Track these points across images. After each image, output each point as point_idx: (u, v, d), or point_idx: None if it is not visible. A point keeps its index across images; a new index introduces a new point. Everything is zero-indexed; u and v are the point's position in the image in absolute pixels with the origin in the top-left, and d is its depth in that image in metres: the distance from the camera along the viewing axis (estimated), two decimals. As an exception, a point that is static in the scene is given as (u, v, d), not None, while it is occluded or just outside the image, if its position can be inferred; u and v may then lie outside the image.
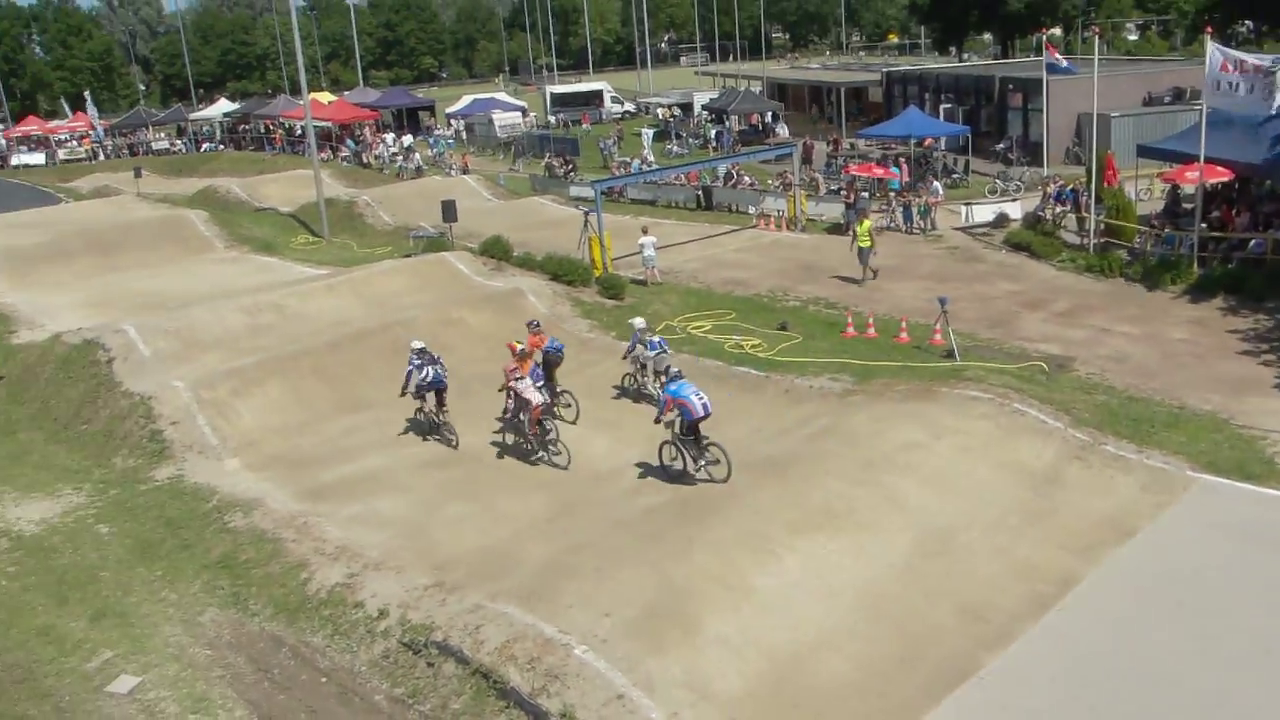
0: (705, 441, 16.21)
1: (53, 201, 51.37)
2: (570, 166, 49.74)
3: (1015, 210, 33.19)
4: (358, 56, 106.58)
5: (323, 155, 50.79)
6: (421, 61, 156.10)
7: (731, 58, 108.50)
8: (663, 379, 17.31)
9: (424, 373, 18.83)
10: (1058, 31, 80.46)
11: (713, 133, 57.10)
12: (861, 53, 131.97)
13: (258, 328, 24.01)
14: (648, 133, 59.39)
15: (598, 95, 76.66)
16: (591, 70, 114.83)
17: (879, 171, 37.28)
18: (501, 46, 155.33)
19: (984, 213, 33.44)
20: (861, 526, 14.34)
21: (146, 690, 12.56)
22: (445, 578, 13.73)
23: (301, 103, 48.92)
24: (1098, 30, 34.81)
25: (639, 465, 17.31)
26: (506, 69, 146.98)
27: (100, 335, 23.09)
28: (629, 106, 76.22)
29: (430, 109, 76.02)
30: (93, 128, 75.18)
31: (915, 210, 33.37)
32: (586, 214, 29.95)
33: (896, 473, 15.66)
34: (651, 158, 51.56)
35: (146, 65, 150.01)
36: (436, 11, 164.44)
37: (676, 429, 16.25)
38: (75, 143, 74.43)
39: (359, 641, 12.93)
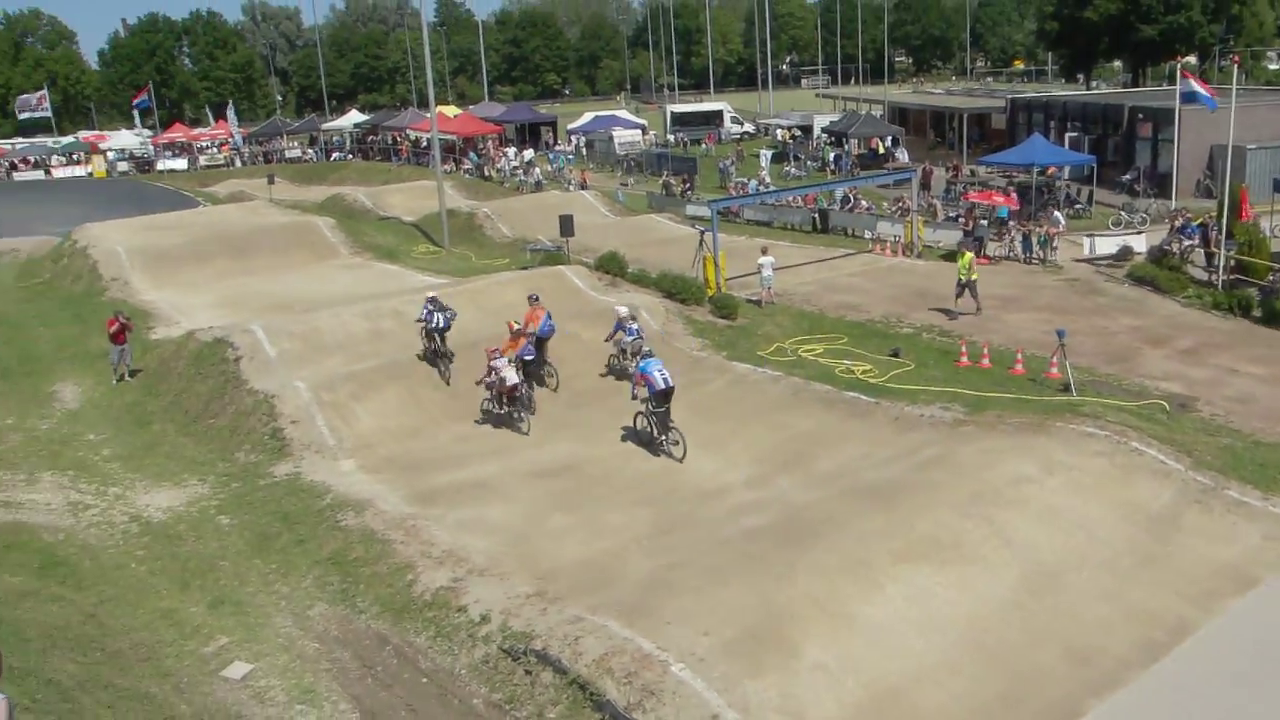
0: (670, 423, 18.89)
1: (192, 205, 53.51)
2: (688, 185, 49.91)
3: (1140, 243, 32.15)
4: (484, 71, 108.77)
5: (446, 167, 51.96)
6: (545, 78, 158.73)
7: (853, 81, 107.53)
8: (638, 359, 20.25)
9: (433, 319, 22.52)
10: (1192, 60, 77.75)
11: (831, 156, 56.65)
12: (987, 79, 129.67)
13: (378, 333, 24.62)
14: (766, 154, 59.25)
15: (718, 115, 76.76)
16: (712, 90, 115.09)
17: (999, 200, 36.55)
18: (624, 64, 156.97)
19: (1107, 245, 32.48)
20: (968, 560, 14.03)
21: (257, 678, 12.97)
22: (547, 587, 13.87)
23: (428, 115, 50.15)
24: (1236, 59, 33.51)
25: (745, 485, 17.28)
26: (628, 87, 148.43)
27: (230, 334, 23.96)
28: (748, 127, 76.17)
29: (552, 125, 77.07)
30: (232, 135, 78.29)
31: (1035, 240, 32.59)
32: (702, 233, 30.02)
33: (1006, 507, 15.27)
34: (769, 179, 51.44)
35: (284, 77, 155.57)
36: (561, 29, 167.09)
37: (649, 403, 19.03)
38: (215, 149, 77.62)
39: (460, 645, 13.13)
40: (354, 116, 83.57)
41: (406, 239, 42.70)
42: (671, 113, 77.69)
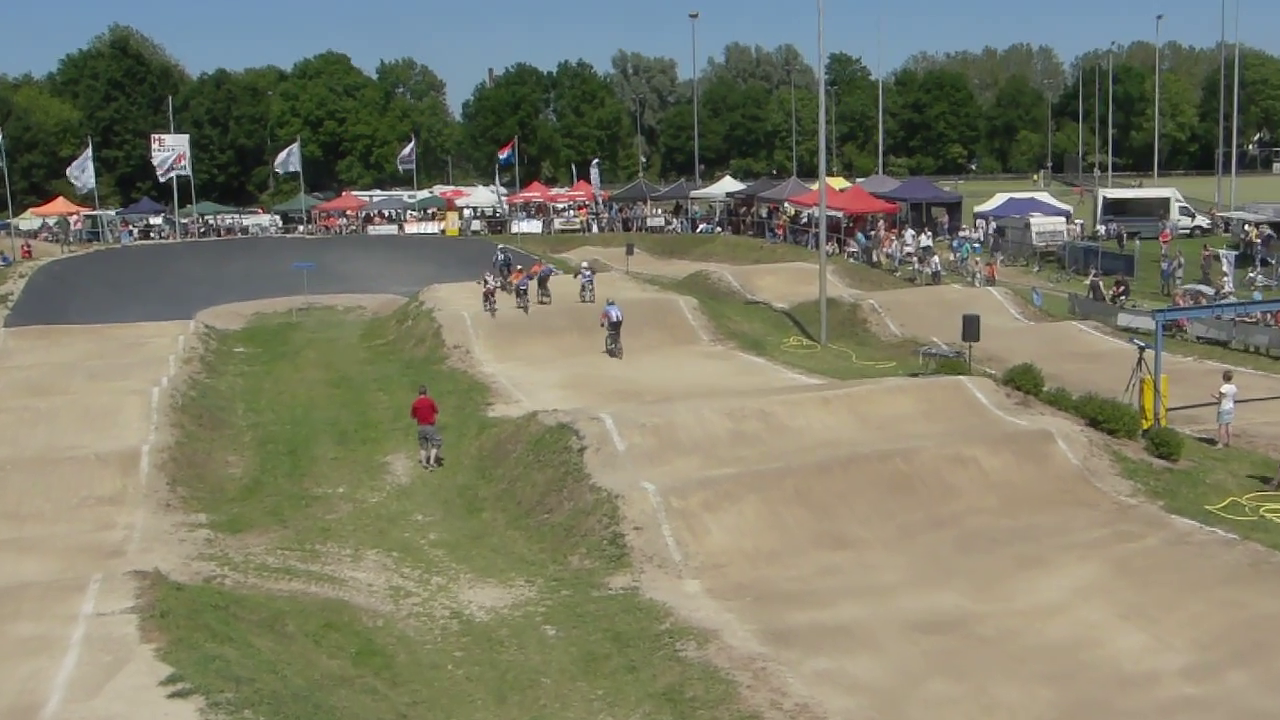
0: (617, 340, 36.23)
1: (544, 273, 57.22)
2: (1122, 289, 47.80)
3: None
4: (880, 139, 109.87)
5: (828, 249, 52.60)
6: (949, 149, 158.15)
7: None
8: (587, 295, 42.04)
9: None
10: None
11: (1317, 263, 52.37)
12: None
13: (740, 436, 24.97)
14: (1228, 255, 55.59)
15: (1162, 204, 73.26)
16: (1155, 172, 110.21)
17: None
18: (1045, 138, 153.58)
19: None
20: None
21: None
22: (923, 771, 13.28)
23: (813, 188, 51.15)
24: None
25: (1182, 675, 15.87)
26: (1049, 164, 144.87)
27: (575, 421, 25.11)
28: (1201, 220, 72.11)
29: (955, 205, 76.41)
30: (593, 198, 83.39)
31: None
32: (1142, 349, 28.46)
33: None
34: (1231, 287, 48.22)
35: (650, 136, 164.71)
36: (972, 93, 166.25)
37: (608, 330, 36.53)
38: (572, 212, 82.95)
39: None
40: (727, 184, 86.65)
41: (776, 328, 43.45)
42: (1104, 198, 74.87)
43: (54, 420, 28.30)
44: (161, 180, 77.81)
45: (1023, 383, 29.02)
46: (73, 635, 14.77)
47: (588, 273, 44.79)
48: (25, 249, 66.14)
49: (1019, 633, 17.59)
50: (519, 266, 46.05)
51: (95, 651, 14.23)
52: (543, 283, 43.28)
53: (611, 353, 36.85)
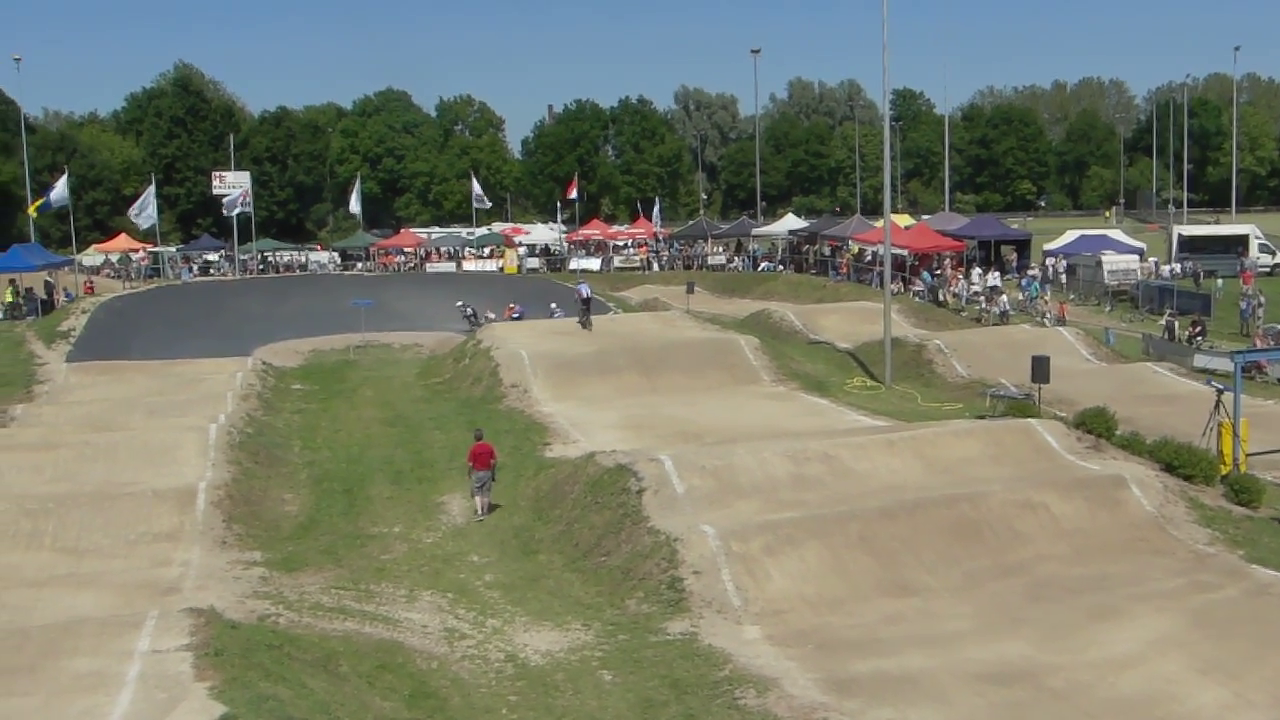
0: (589, 313, 44.78)
1: (602, 311, 57.55)
2: (1198, 329, 47.34)
3: None
4: (946, 175, 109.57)
5: (894, 288, 52.42)
6: (1018, 186, 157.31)
7: None
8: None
9: None
10: None
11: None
12: None
13: (802, 479, 24.85)
14: (1311, 294, 54.94)
15: (1240, 241, 72.38)
16: (1234, 209, 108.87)
17: None
18: (1118, 173, 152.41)
19: None
20: None
21: None
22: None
23: (876, 225, 51.09)
24: None
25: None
26: (1121, 201, 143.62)
27: (634, 462, 25.08)
28: (1282, 258, 71.30)
29: (1025, 243, 76.02)
30: (653, 235, 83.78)
31: None
32: (1220, 392, 28.07)
33: None
34: (1313, 327, 47.61)
35: (711, 173, 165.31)
36: (1042, 128, 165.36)
37: (579, 305, 44.90)
38: (631, 250, 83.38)
39: None
40: (789, 222, 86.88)
41: (839, 369, 43.30)
42: (1179, 235, 74.24)
43: (113, 456, 28.74)
44: (230, 216, 79.11)
45: (1095, 426, 28.69)
46: (129, 672, 14.97)
47: (584, 289, 48.34)
48: (88, 285, 67.48)
49: (1091, 686, 17.30)
50: (490, 315, 51.59)
51: (150, 689, 14.41)
52: (586, 306, 46.39)
53: (583, 324, 45.30)
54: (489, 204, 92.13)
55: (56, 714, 13.97)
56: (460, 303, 55.70)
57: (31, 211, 67.92)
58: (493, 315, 51.10)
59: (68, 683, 14.88)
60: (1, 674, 15.24)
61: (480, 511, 25.99)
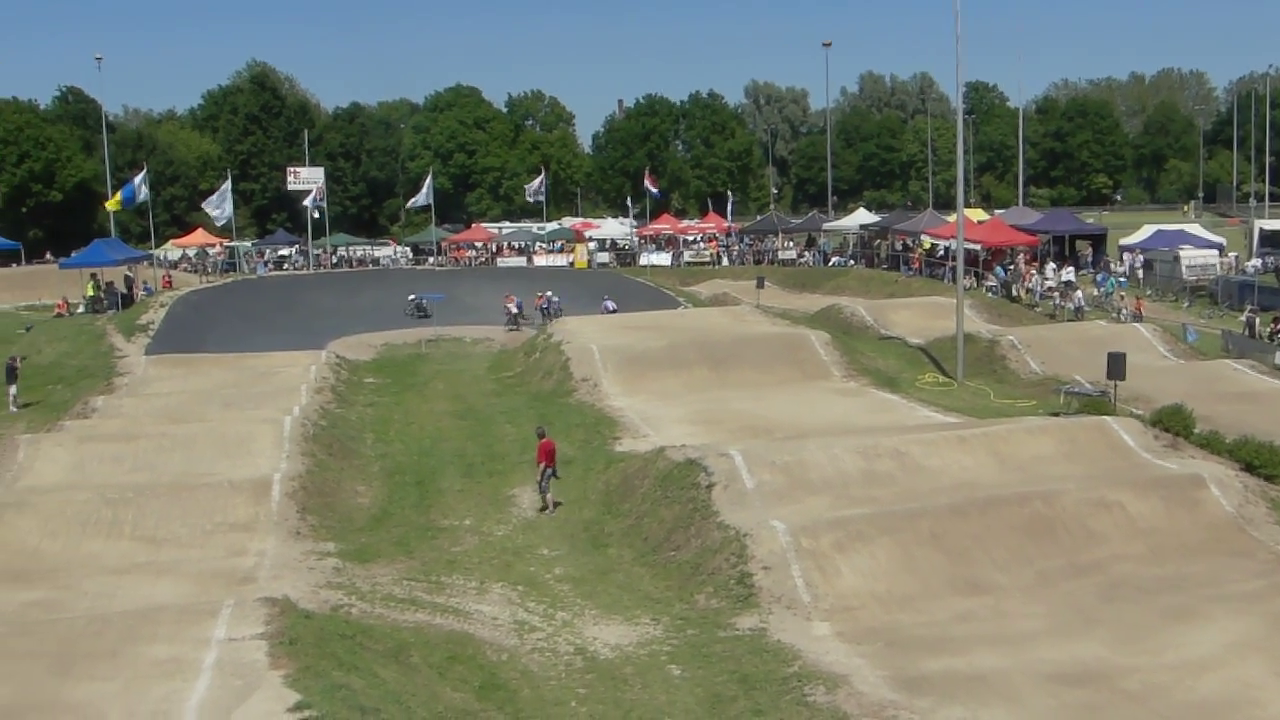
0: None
1: (671, 305, 57.64)
2: (1280, 326, 46.33)
3: None
4: (1020, 169, 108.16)
5: (966, 283, 51.91)
6: (1093, 180, 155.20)
7: None
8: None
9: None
10: None
11: None
12: None
13: (873, 475, 24.76)
14: (1397, 291, 53.61)
15: (1325, 235, 70.80)
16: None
17: None
18: (1197, 167, 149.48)
19: None
20: None
21: None
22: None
23: (949, 219, 50.60)
24: None
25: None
26: (1200, 195, 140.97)
27: (704, 457, 25.13)
28: (1368, 252, 69.56)
29: (1100, 238, 74.89)
30: (724, 230, 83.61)
31: None
32: (1302, 391, 27.56)
33: None
34: (1398, 325, 46.39)
35: (782, 167, 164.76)
36: (1119, 120, 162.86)
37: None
38: (701, 245, 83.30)
39: None
40: (861, 216, 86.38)
41: (911, 365, 43.05)
42: (1261, 230, 72.69)
43: (190, 447, 29.28)
44: (310, 210, 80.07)
45: (1172, 424, 28.27)
46: (205, 659, 15.26)
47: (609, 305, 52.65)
48: (166, 279, 68.64)
49: (1168, 689, 17.04)
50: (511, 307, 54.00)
51: (226, 676, 14.68)
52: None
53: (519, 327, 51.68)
54: (542, 197, 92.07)
55: (136, 699, 14.26)
56: (412, 295, 56.69)
57: (112, 205, 69.12)
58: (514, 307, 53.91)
59: (146, 669, 15.18)
60: (83, 659, 15.60)
61: (548, 508, 26.19)
